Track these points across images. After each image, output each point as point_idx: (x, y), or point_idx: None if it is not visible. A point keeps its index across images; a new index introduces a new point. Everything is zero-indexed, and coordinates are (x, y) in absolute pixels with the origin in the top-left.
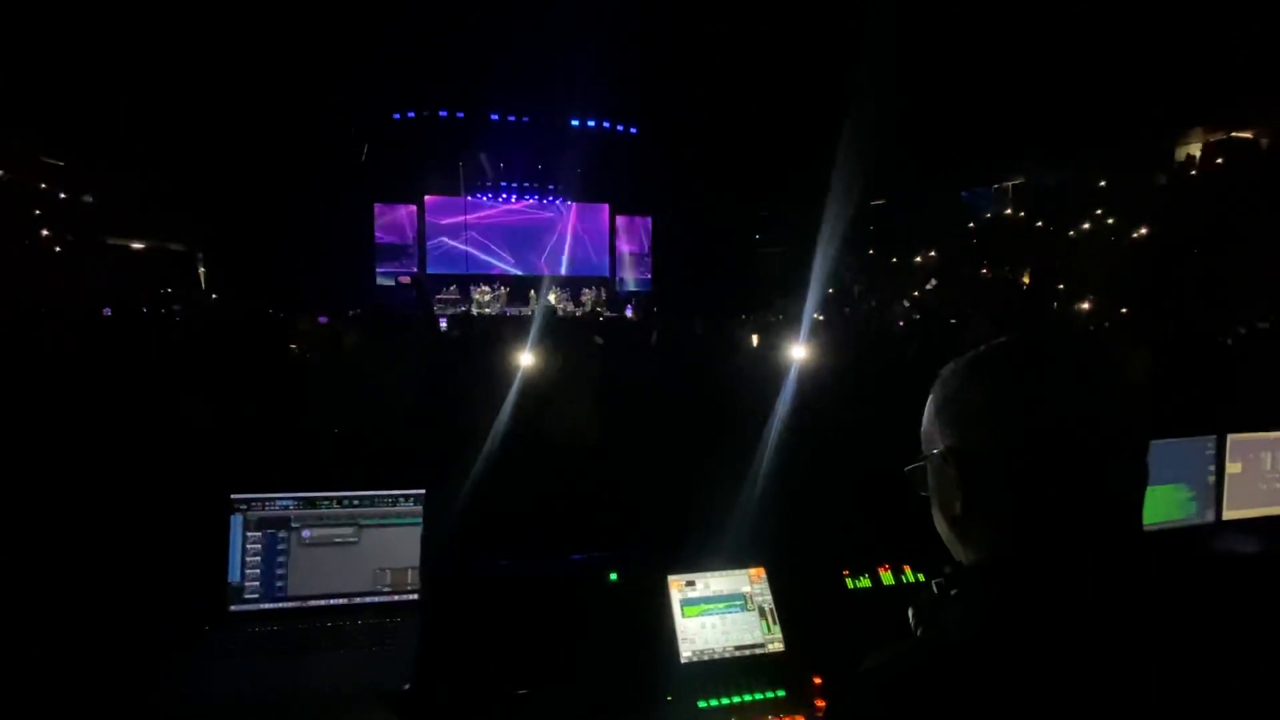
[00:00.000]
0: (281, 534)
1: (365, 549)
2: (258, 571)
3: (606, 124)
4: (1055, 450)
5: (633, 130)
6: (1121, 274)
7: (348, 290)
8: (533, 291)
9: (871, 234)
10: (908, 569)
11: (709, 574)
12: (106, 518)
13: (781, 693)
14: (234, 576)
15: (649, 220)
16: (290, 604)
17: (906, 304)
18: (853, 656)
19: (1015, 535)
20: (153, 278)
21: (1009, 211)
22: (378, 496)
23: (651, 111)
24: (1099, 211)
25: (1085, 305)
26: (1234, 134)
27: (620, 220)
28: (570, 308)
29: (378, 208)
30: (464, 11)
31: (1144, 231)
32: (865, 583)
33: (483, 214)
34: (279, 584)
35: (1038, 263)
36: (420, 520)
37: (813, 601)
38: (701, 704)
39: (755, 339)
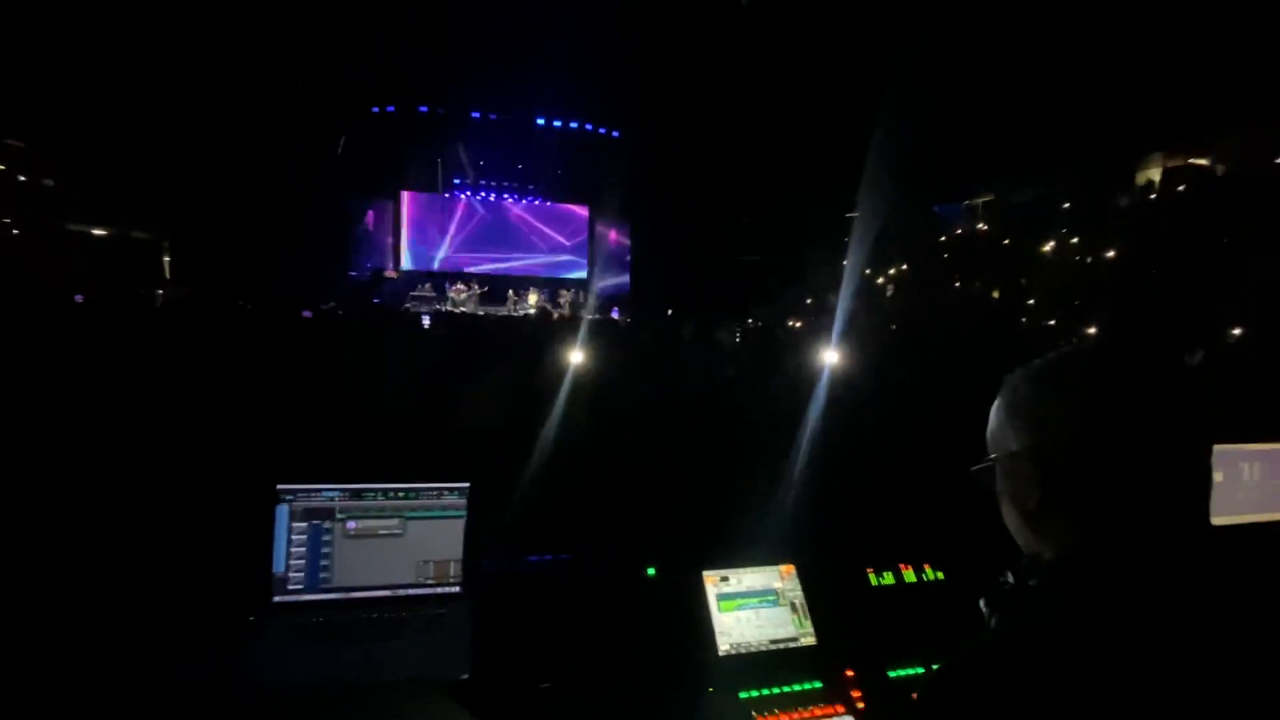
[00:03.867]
0: (326, 525)
1: (409, 541)
2: (302, 562)
3: (589, 126)
4: (1134, 451)
5: (614, 134)
6: (1087, 292)
7: (321, 284)
8: (511, 292)
9: (845, 245)
10: (928, 567)
11: (742, 570)
12: (152, 508)
13: (817, 684)
14: (278, 567)
15: (628, 224)
16: (334, 595)
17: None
18: (881, 650)
19: (1094, 530)
20: (115, 266)
21: (980, 227)
22: (422, 489)
23: (633, 115)
24: (1064, 231)
25: (1052, 322)
26: (1191, 160)
27: (599, 223)
28: (551, 309)
29: (352, 202)
30: (446, 6)
31: (1109, 254)
32: (889, 579)
33: (460, 211)
34: (323, 575)
35: (1007, 279)
36: (464, 513)
37: (840, 597)
38: (743, 695)
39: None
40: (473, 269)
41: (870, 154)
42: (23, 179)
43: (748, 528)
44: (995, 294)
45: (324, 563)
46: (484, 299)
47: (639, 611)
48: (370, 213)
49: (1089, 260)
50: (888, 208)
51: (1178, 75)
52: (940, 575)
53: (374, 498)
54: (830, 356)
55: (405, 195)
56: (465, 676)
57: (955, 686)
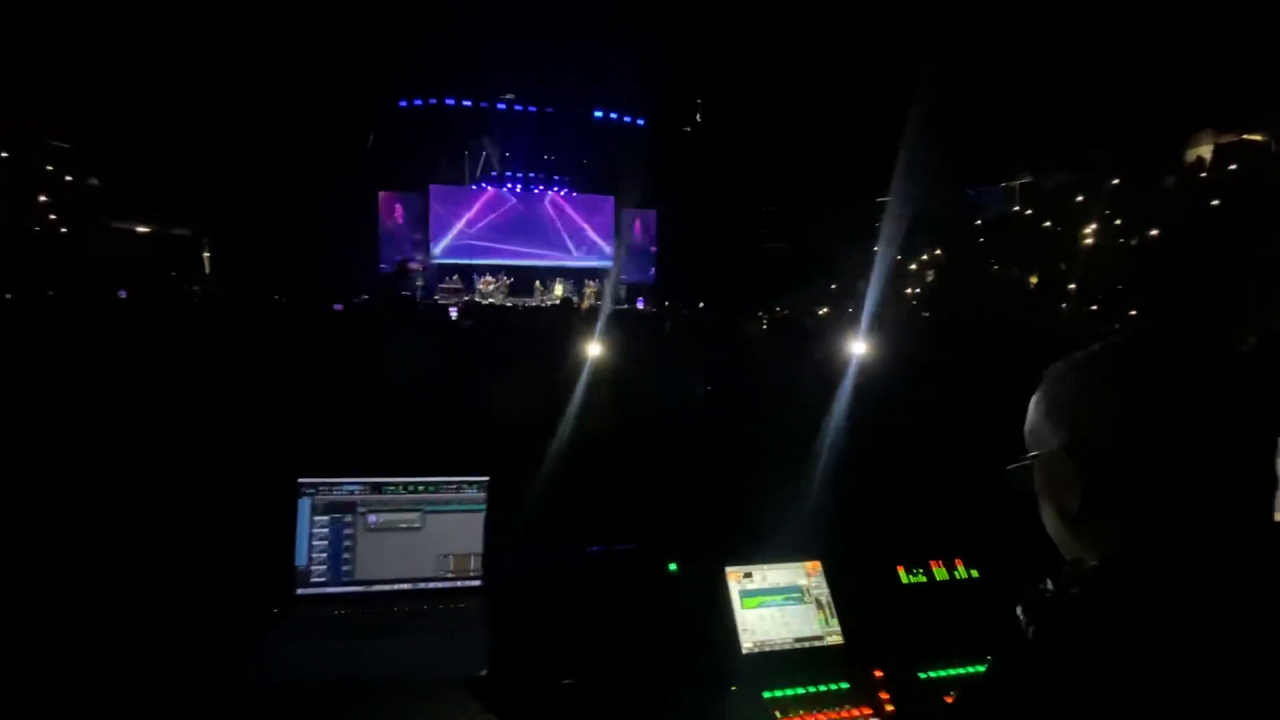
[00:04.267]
0: (348, 518)
1: (429, 535)
2: (325, 555)
3: (614, 115)
4: (1185, 448)
5: (639, 122)
6: (1130, 276)
7: (353, 278)
8: (537, 282)
9: (876, 231)
10: (960, 564)
11: (766, 566)
12: (178, 500)
13: (845, 685)
14: (301, 560)
15: (653, 213)
16: (356, 588)
17: (914, 302)
18: (911, 650)
19: (1141, 534)
20: (157, 262)
21: (1016, 210)
22: (442, 483)
23: (658, 104)
24: (1107, 212)
25: (1094, 307)
26: (1245, 136)
27: (625, 213)
28: (576, 299)
29: (383, 195)
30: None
31: (1153, 234)
32: (920, 577)
33: (488, 203)
34: (345, 568)
35: (1045, 263)
36: (484, 507)
37: (869, 595)
38: (766, 694)
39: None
40: (501, 260)
41: (902, 137)
42: (69, 179)
43: (772, 523)
44: (1033, 279)
45: (346, 556)
46: (511, 290)
47: (661, 607)
48: (399, 206)
49: (1133, 243)
50: (920, 192)
51: (1230, 45)
52: (974, 574)
53: (394, 491)
54: (859, 346)
55: (433, 188)
56: (485, 672)
57: (991, 700)
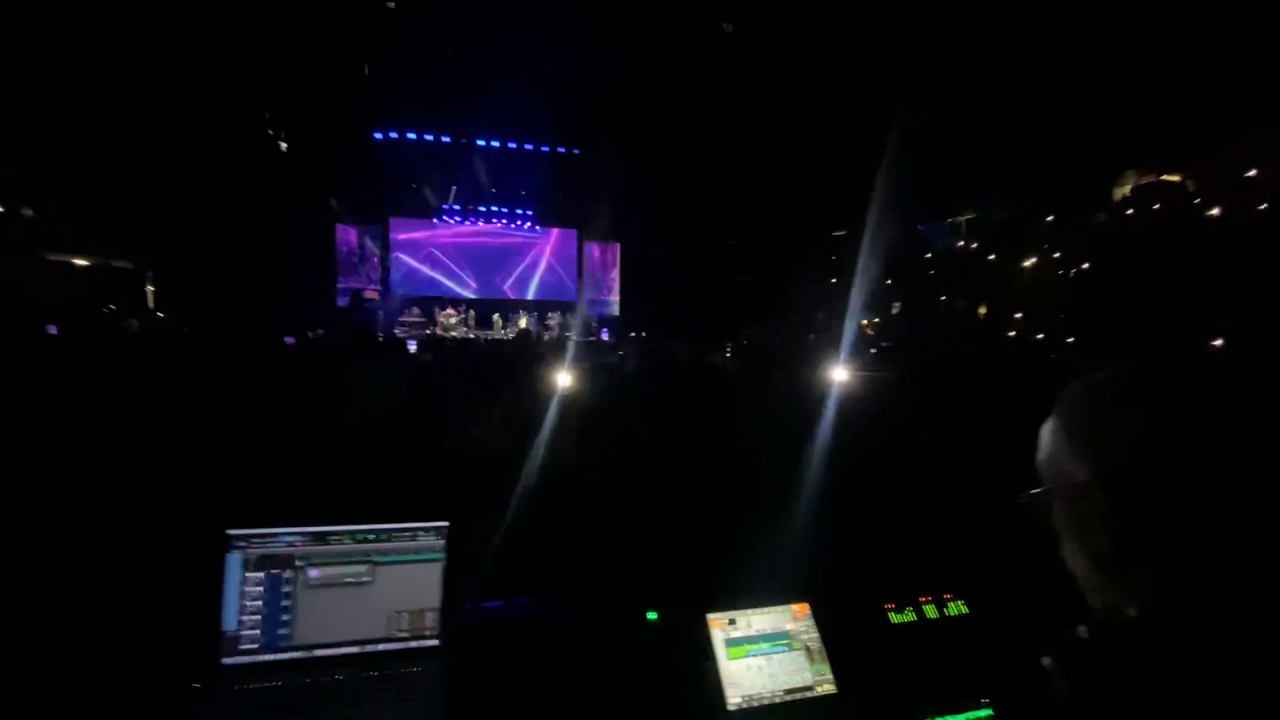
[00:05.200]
0: (286, 574)
1: (380, 589)
2: (257, 618)
3: (576, 150)
4: (1236, 477)
5: (601, 156)
6: (1069, 307)
7: (309, 311)
8: (497, 315)
9: (834, 263)
10: (949, 599)
11: (750, 611)
12: (80, 557)
13: None
14: (229, 624)
15: (616, 246)
16: (295, 654)
17: (870, 331)
18: (908, 697)
19: (1188, 577)
20: (96, 296)
21: (963, 244)
22: (395, 530)
23: (621, 138)
24: (1045, 246)
25: (1040, 336)
26: (1164, 177)
27: (588, 246)
28: (539, 332)
29: (340, 228)
30: (434, 33)
31: (1086, 266)
32: (910, 616)
33: (449, 236)
34: (282, 631)
35: (992, 294)
36: (442, 556)
37: (859, 638)
38: None
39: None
40: (463, 293)
41: (856, 173)
42: (1, 210)
43: (754, 564)
44: (982, 310)
45: (283, 618)
46: (472, 324)
47: (640, 661)
48: (357, 238)
49: (1071, 274)
50: (874, 226)
51: (1150, 93)
52: (964, 608)
53: (340, 541)
54: (836, 378)
55: (393, 221)
56: None
57: None
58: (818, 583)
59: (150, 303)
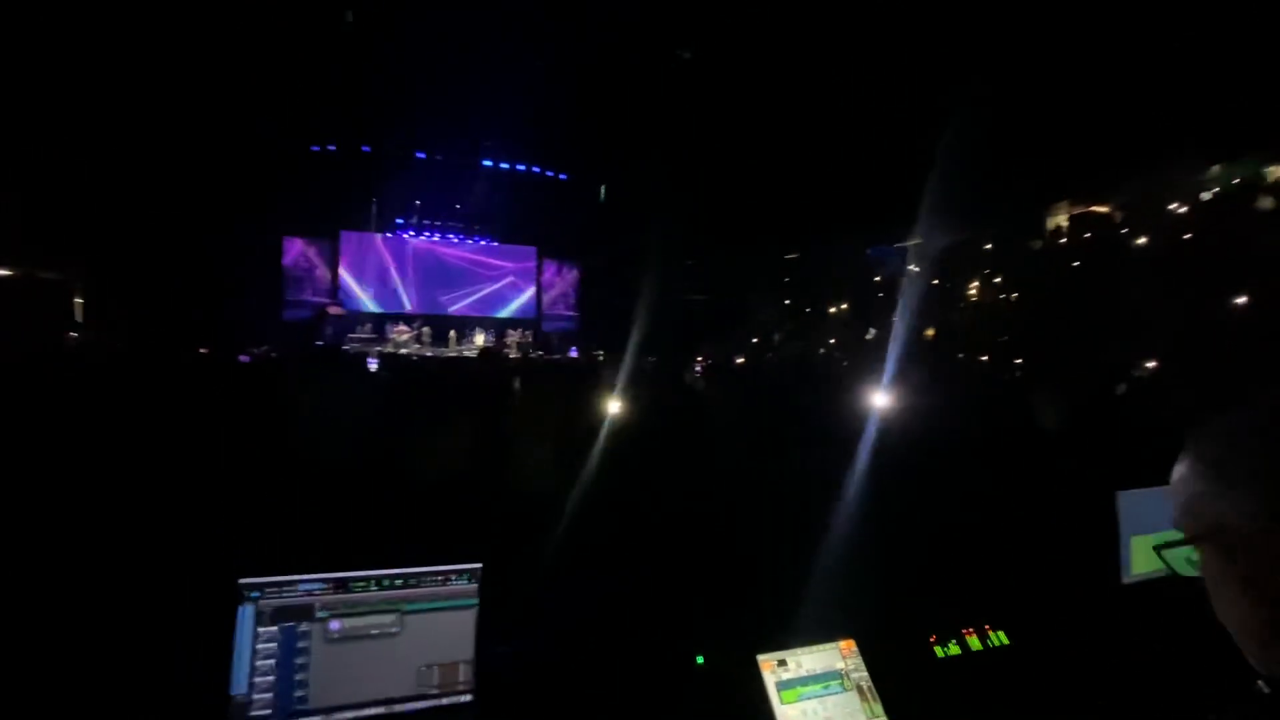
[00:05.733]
0: (303, 627)
1: (408, 641)
2: (271, 679)
3: (536, 169)
4: None
5: (562, 176)
6: (1010, 331)
7: (254, 327)
8: (453, 332)
9: (788, 285)
10: (990, 631)
11: (799, 651)
12: (70, 612)
13: None
14: (239, 687)
15: (575, 264)
16: (314, 719)
17: (822, 350)
18: None
19: None
20: (17, 310)
21: (910, 269)
22: (424, 574)
23: (581, 159)
24: (986, 272)
25: (984, 358)
26: (1094, 208)
27: (547, 263)
28: (505, 350)
29: (287, 241)
30: (392, 47)
31: (1026, 292)
32: (955, 649)
33: (403, 250)
34: (299, 693)
35: (938, 319)
36: (475, 601)
37: (907, 675)
38: None
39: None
40: (417, 309)
41: (808, 199)
42: None
43: (799, 602)
44: (930, 332)
45: (299, 677)
46: (427, 340)
47: (689, 709)
48: (305, 252)
49: (1013, 298)
50: (825, 250)
51: (1083, 129)
52: (1004, 639)
53: (364, 588)
54: (874, 405)
55: (344, 235)
56: None
57: None
58: (862, 617)
59: (77, 317)
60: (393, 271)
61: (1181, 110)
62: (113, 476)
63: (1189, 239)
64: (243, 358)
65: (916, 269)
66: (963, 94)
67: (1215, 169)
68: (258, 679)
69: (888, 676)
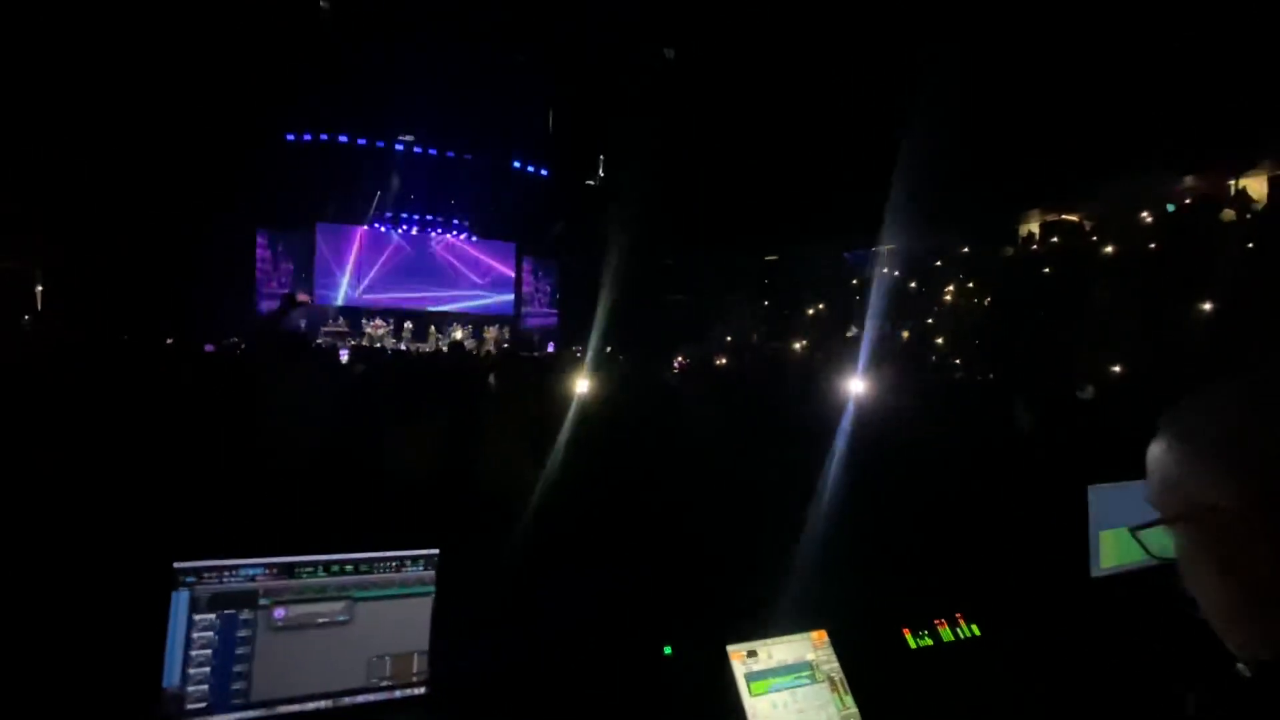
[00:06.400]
0: (245, 615)
1: (359, 630)
2: (207, 670)
3: (517, 164)
4: None
5: (543, 173)
6: (983, 335)
7: (226, 318)
8: (433, 327)
9: (767, 287)
10: (962, 622)
11: (770, 642)
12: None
13: None
14: (171, 680)
15: (554, 261)
16: (252, 713)
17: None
18: None
19: None
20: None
21: (885, 272)
22: (379, 560)
23: (562, 156)
24: (961, 277)
25: (958, 361)
26: (1064, 216)
27: (526, 260)
28: (476, 345)
29: (261, 232)
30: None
31: (998, 297)
32: (927, 641)
33: (381, 244)
34: (238, 685)
35: (914, 322)
36: (432, 589)
37: (879, 666)
38: None
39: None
40: (395, 303)
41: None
42: None
43: (770, 592)
44: (905, 335)
45: (239, 668)
46: (402, 335)
47: (655, 701)
48: (280, 244)
49: (986, 303)
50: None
51: (1054, 139)
52: (975, 630)
53: (312, 574)
54: (854, 391)
55: (320, 226)
56: None
57: None
58: (834, 608)
59: (38, 305)
60: (369, 265)
61: (1149, 123)
62: (46, 459)
63: (1154, 248)
64: (208, 347)
65: (893, 273)
66: (940, 104)
67: (1186, 180)
68: (193, 670)
69: (860, 667)
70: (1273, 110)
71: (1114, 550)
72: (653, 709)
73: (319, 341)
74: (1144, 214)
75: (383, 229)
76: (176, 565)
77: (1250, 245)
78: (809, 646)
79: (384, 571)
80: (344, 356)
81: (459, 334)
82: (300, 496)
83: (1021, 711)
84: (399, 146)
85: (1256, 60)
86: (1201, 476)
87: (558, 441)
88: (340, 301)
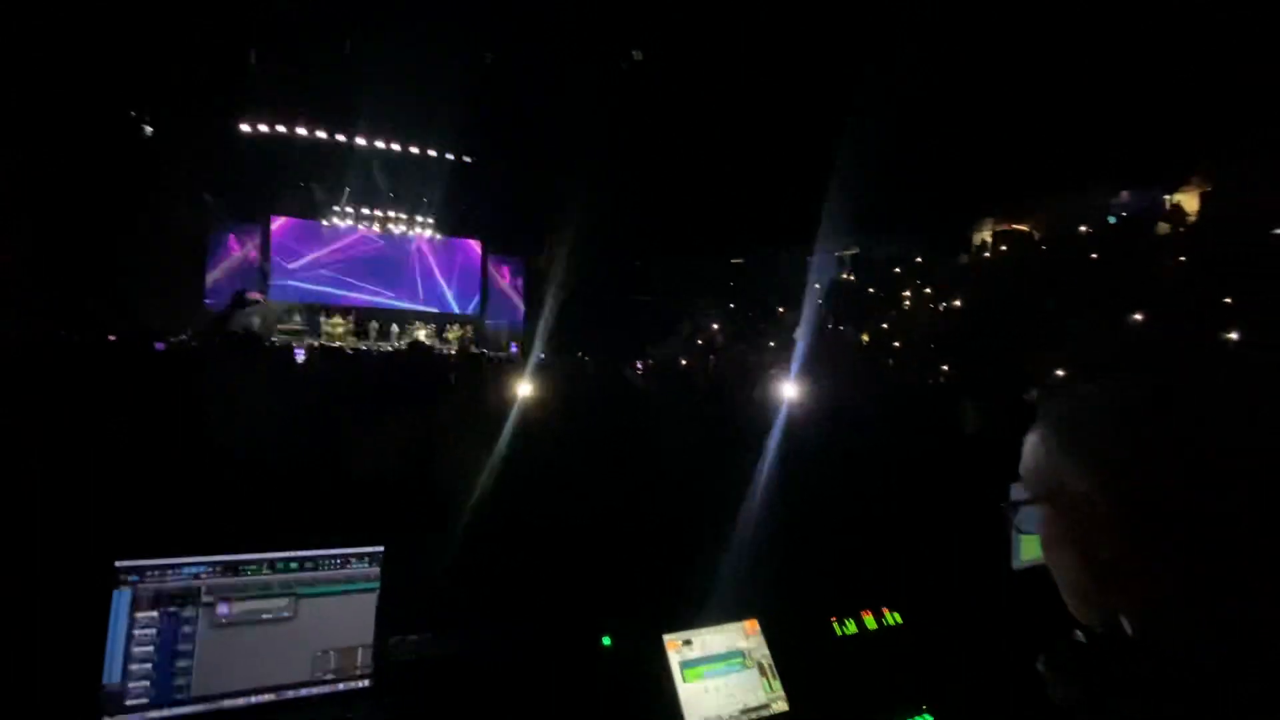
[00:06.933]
0: (187, 612)
1: (303, 626)
2: (149, 666)
3: (482, 160)
4: (1242, 486)
5: (508, 171)
6: (939, 337)
7: (176, 314)
8: (395, 326)
9: (733, 289)
10: (886, 611)
11: (704, 630)
12: None
13: None
14: (112, 676)
15: (520, 261)
16: (194, 708)
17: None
18: (855, 709)
19: (1197, 581)
20: None
21: (846, 277)
22: (322, 557)
23: (524, 152)
24: (918, 282)
25: (914, 363)
26: (1014, 226)
27: (492, 258)
28: (439, 345)
29: (213, 226)
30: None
31: (954, 303)
32: (851, 628)
33: (340, 239)
34: (180, 681)
35: (874, 324)
36: (376, 584)
37: (807, 653)
38: None
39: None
40: (354, 301)
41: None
42: None
43: (705, 584)
44: (865, 337)
45: (181, 664)
46: (364, 334)
47: (596, 691)
48: (232, 238)
49: (942, 308)
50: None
51: (1006, 151)
52: (898, 618)
53: (256, 571)
54: (780, 399)
55: (276, 221)
56: None
57: None
58: (765, 599)
59: None
60: (327, 261)
61: (1093, 142)
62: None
63: (1095, 257)
64: (158, 345)
65: (851, 278)
66: (902, 116)
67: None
68: (134, 666)
69: (789, 654)
70: (1204, 131)
71: (1034, 545)
72: (591, 697)
73: (272, 340)
74: (1085, 227)
75: (342, 224)
76: (118, 564)
77: (1182, 257)
78: (741, 635)
79: (329, 569)
80: (300, 356)
81: (420, 334)
82: (246, 495)
83: (939, 692)
84: (360, 140)
85: (1190, 86)
86: (1063, 463)
87: (504, 441)
88: (292, 298)
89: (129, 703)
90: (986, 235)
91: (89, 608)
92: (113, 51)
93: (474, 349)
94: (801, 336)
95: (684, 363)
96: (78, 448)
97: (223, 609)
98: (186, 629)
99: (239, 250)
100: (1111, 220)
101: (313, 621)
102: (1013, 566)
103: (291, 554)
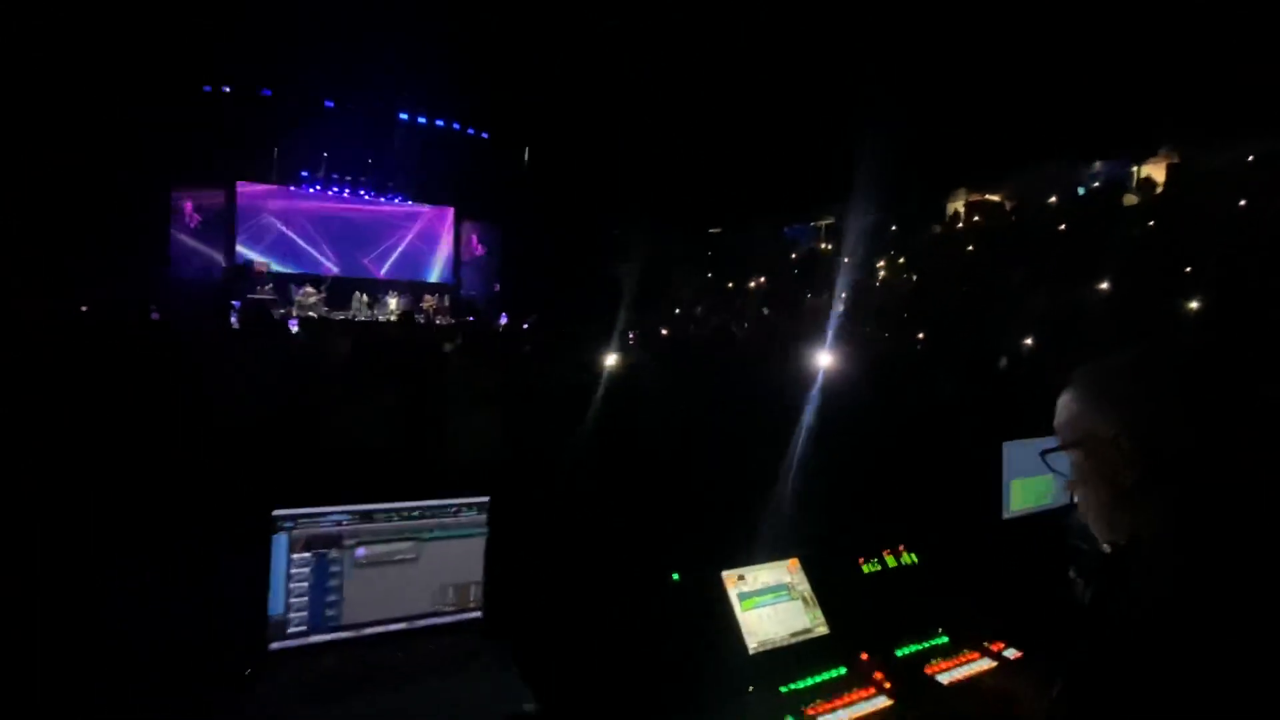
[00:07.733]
0: (333, 554)
1: (426, 565)
2: (305, 600)
3: (456, 125)
4: (1241, 430)
5: (484, 135)
6: (913, 306)
7: (139, 284)
8: (365, 295)
9: (710, 259)
10: (904, 551)
11: (755, 568)
12: (122, 545)
13: (841, 670)
14: (276, 608)
15: (497, 228)
16: (344, 634)
17: (745, 325)
18: (885, 632)
19: (1199, 505)
20: None
21: (823, 246)
22: (439, 507)
23: (503, 118)
24: (892, 252)
25: (886, 335)
26: (987, 196)
27: (466, 225)
28: (418, 313)
29: (176, 192)
30: None
31: (924, 272)
32: (875, 566)
33: (309, 205)
34: (330, 612)
35: (849, 294)
36: (485, 530)
37: (840, 586)
38: (784, 689)
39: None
40: (324, 270)
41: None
42: None
43: (752, 525)
44: (841, 306)
45: (330, 598)
46: (335, 302)
47: (669, 616)
48: (189, 203)
49: (913, 278)
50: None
51: (979, 122)
52: (914, 558)
53: (386, 519)
54: (822, 361)
55: (241, 186)
56: (528, 707)
57: (1126, 663)
58: (804, 541)
59: None
60: (296, 228)
61: (1064, 113)
62: (172, 426)
63: (1063, 229)
64: (154, 315)
65: (828, 247)
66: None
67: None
68: (293, 599)
69: (825, 587)
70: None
71: (1021, 496)
72: (666, 624)
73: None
74: (1054, 198)
75: (311, 190)
76: (275, 513)
77: (1150, 225)
78: (785, 571)
79: (444, 516)
80: (293, 326)
81: (393, 303)
82: (376, 455)
83: (951, 616)
84: (329, 103)
85: (1157, 59)
86: (1094, 414)
87: (589, 410)
88: (268, 267)
89: (291, 629)
90: (960, 205)
91: (256, 550)
92: (76, 19)
93: (449, 318)
94: (794, 308)
95: (663, 332)
96: (237, 414)
97: (360, 551)
98: (334, 568)
99: (202, 218)
100: (1081, 191)
101: (433, 562)
102: (1004, 515)
103: (414, 504)
